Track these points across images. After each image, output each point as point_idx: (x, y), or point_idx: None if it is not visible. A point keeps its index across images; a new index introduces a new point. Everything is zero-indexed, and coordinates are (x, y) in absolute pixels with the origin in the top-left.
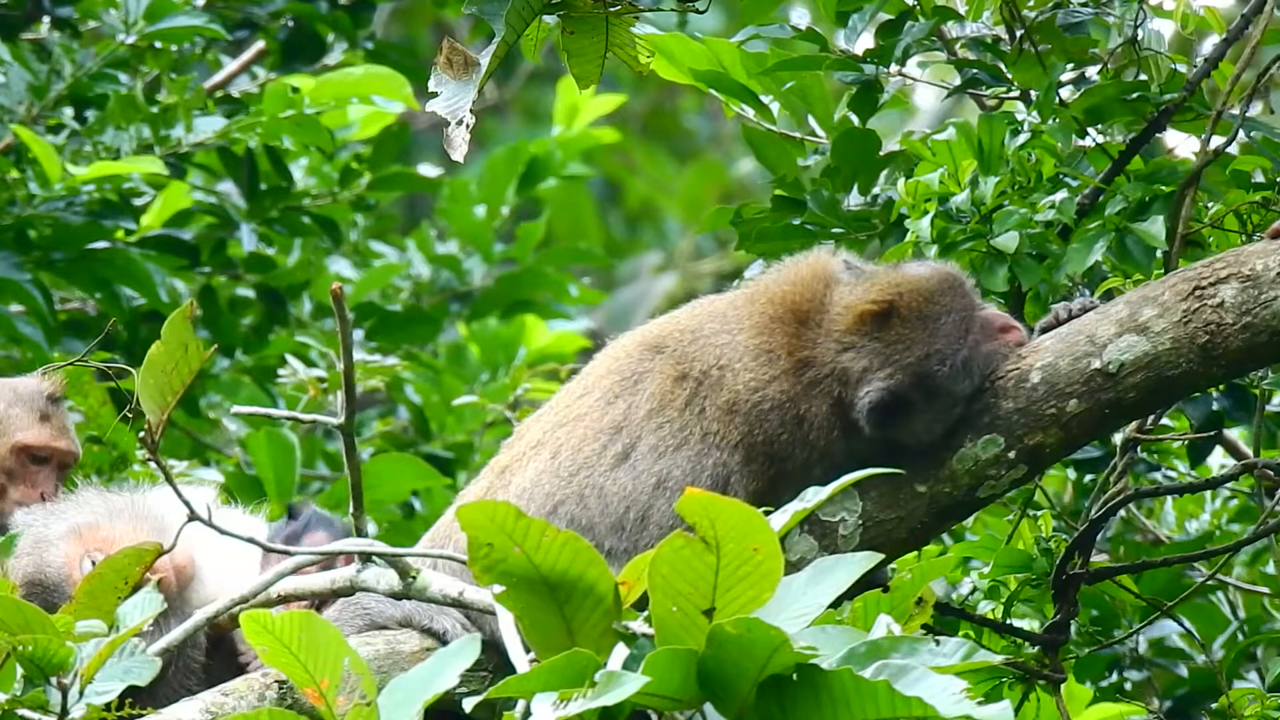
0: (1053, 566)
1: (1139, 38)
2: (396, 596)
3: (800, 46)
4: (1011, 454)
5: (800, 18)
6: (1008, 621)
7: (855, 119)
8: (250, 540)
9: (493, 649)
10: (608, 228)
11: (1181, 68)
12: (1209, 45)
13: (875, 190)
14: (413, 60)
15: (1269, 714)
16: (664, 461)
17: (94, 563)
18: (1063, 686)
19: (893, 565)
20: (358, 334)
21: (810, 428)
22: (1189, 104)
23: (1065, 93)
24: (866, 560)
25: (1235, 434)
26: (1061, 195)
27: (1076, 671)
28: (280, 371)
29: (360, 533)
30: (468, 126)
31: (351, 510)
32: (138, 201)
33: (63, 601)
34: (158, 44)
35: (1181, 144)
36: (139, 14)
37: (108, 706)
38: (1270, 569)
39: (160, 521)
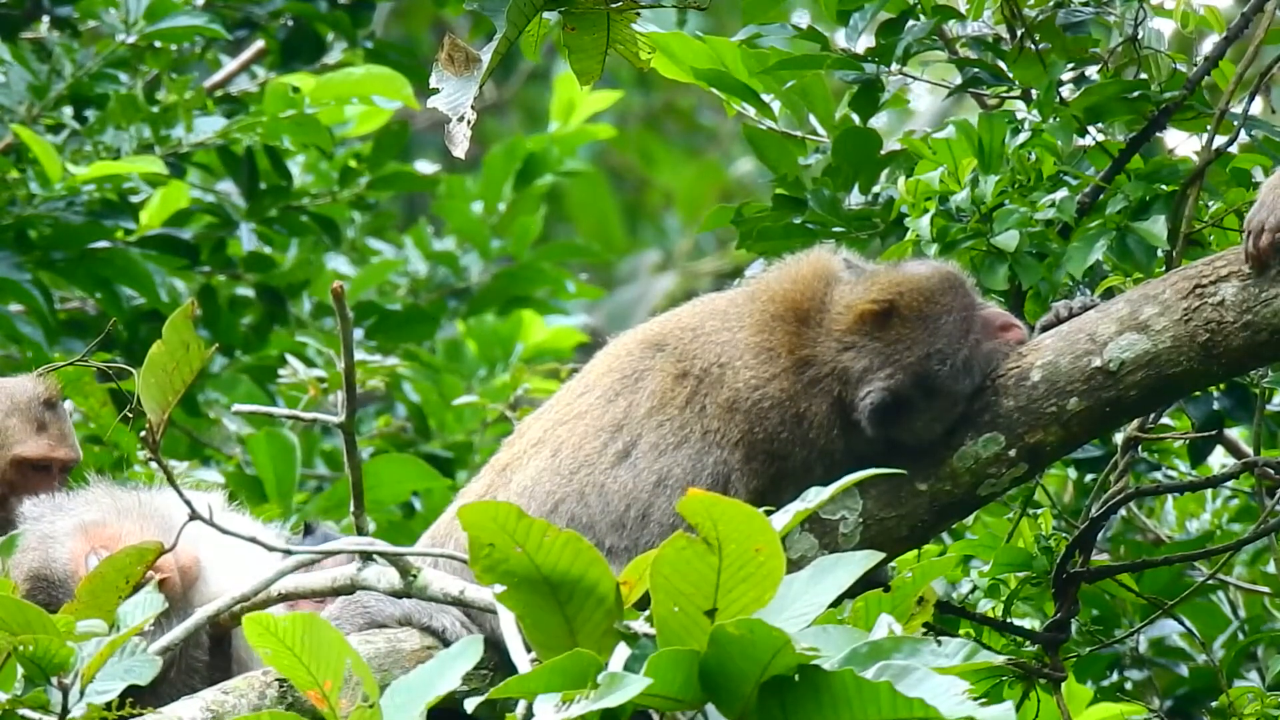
0: (1053, 565)
1: (1139, 36)
2: (397, 595)
3: (801, 45)
4: (1012, 452)
5: (801, 17)
6: (1008, 620)
7: (856, 118)
8: (252, 539)
9: (494, 648)
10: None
11: (1182, 66)
12: (1209, 44)
13: (876, 189)
14: (413, 59)
15: (1269, 713)
16: (664, 459)
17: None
18: (1063, 685)
19: (893, 564)
20: (357, 333)
21: (810, 426)
22: (1189, 103)
23: (1066, 91)
24: (867, 559)
25: (1236, 433)
26: (1062, 194)
27: (1077, 670)
28: (280, 371)
29: (361, 531)
30: (469, 123)
31: (352, 509)
32: (137, 199)
33: (67, 598)
34: (158, 44)
35: (1182, 143)
36: (139, 14)
37: (108, 706)
38: (1270, 568)
39: (167, 521)
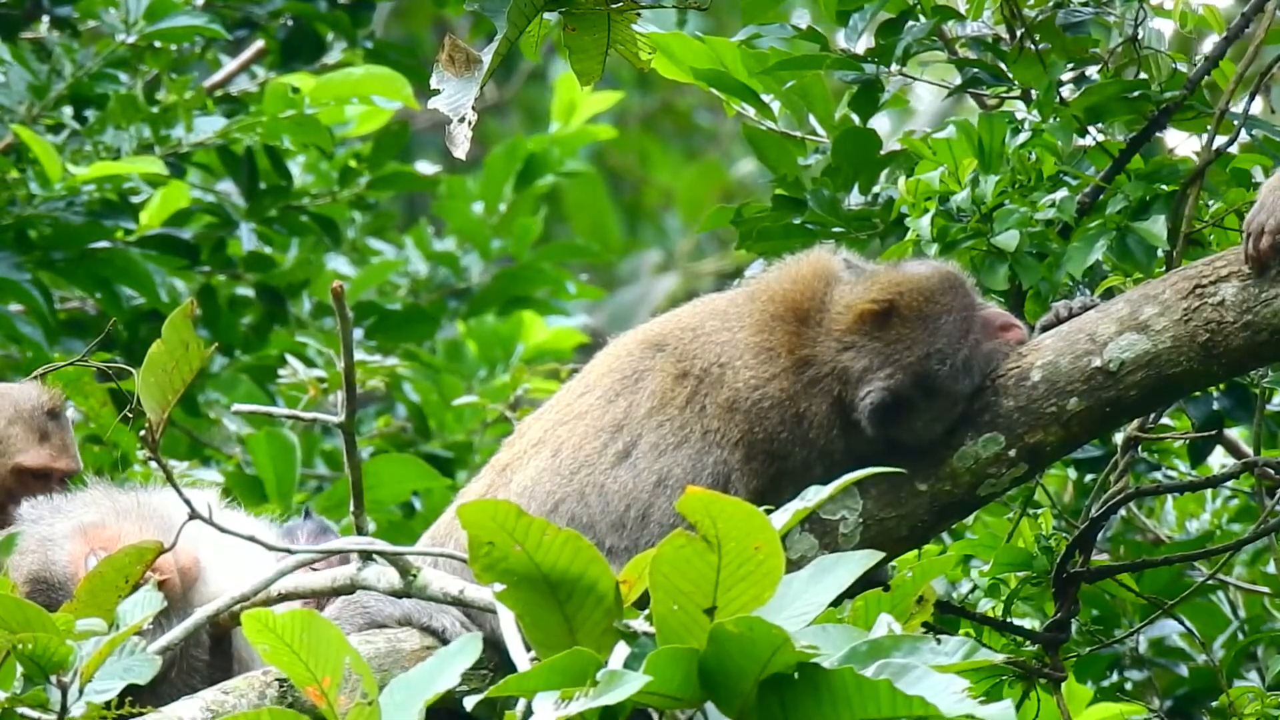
0: (1053, 565)
1: (1139, 36)
2: (397, 594)
3: (801, 46)
4: (1012, 452)
5: (801, 17)
6: (1008, 620)
7: (856, 118)
8: (251, 539)
9: (493, 647)
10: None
11: (1182, 66)
12: (1209, 44)
13: (876, 189)
14: (412, 59)
15: (1269, 713)
16: (664, 459)
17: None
18: (1063, 685)
19: (893, 564)
20: (357, 333)
21: (810, 426)
22: (1189, 103)
23: (1066, 91)
24: (867, 559)
25: (1236, 433)
26: (1062, 194)
27: (1077, 670)
28: (280, 371)
29: (361, 531)
30: (470, 124)
31: (352, 509)
32: (137, 199)
33: (67, 600)
34: (158, 44)
35: (1182, 143)
36: (139, 14)
37: (107, 705)
38: (1270, 568)
39: (166, 521)
